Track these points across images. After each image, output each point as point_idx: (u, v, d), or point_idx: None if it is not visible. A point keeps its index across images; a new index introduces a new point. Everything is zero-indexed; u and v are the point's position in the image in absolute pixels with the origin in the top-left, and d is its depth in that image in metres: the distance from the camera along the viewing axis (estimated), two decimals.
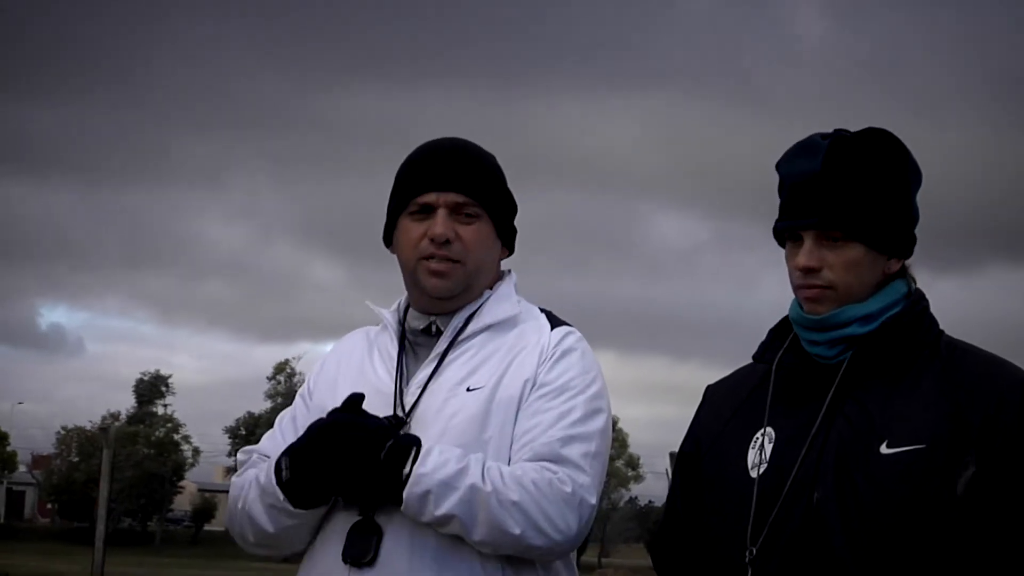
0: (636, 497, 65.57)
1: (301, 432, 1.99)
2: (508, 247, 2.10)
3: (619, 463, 61.61)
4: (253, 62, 77.60)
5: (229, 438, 57.32)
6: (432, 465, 1.85)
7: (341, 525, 1.94)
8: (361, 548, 1.89)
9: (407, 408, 1.97)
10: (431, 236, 1.98)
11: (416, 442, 1.89)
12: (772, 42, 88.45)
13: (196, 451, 59.36)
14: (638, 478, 62.62)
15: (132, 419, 57.09)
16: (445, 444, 1.90)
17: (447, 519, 1.85)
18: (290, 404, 2.14)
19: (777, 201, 1.87)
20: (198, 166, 79.03)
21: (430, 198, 2.00)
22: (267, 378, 57.18)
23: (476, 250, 2.00)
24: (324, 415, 1.96)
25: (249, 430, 53.30)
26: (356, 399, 1.92)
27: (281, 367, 56.23)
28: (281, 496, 1.92)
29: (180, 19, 77.01)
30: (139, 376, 59.47)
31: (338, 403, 1.97)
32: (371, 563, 1.89)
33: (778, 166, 1.87)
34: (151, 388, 59.25)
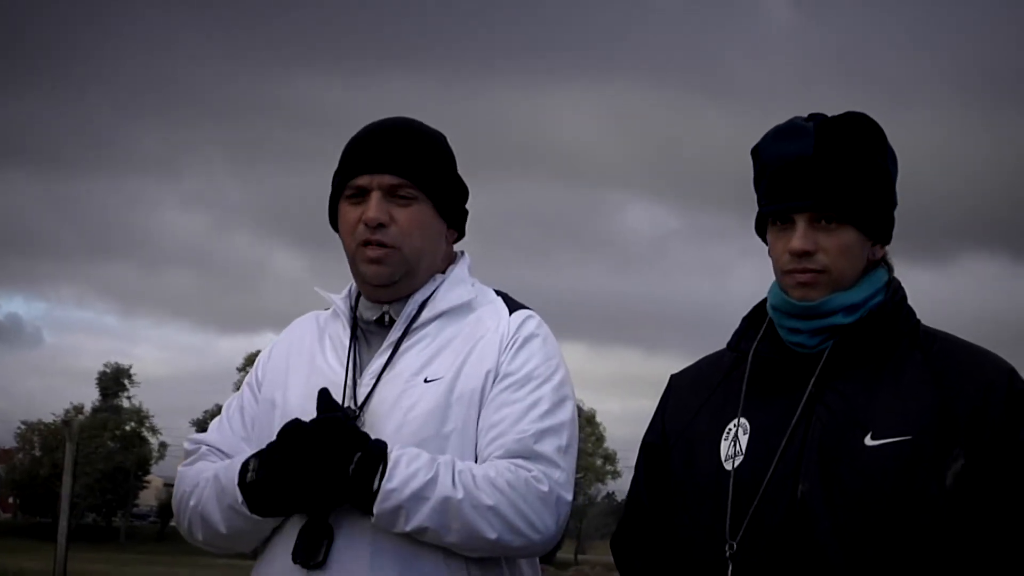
0: (613, 492, 65.57)
1: (248, 423, 1.93)
2: (456, 228, 2.02)
3: (595, 458, 61.64)
4: (207, 51, 77.52)
5: (196, 431, 56.63)
6: (400, 479, 1.79)
7: (294, 525, 1.88)
8: (311, 549, 1.84)
9: (360, 400, 1.91)
10: (364, 220, 1.93)
11: (383, 453, 1.81)
12: (739, 31, 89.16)
13: (163, 445, 58.89)
14: (615, 473, 62.58)
15: (97, 412, 56.48)
16: (407, 444, 1.83)
17: (420, 531, 1.81)
18: None
19: (747, 189, 1.81)
20: (153, 155, 79.02)
21: (364, 180, 1.93)
22: (236, 369, 56.88)
23: (413, 234, 1.93)
24: (280, 411, 1.90)
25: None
26: (325, 395, 1.85)
27: (252, 358, 55.66)
28: (240, 499, 1.85)
29: (134, 8, 76.48)
30: (102, 368, 58.98)
31: (288, 394, 1.91)
32: (321, 564, 1.83)
33: (756, 151, 1.82)
34: (114, 380, 58.66)
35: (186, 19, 77.69)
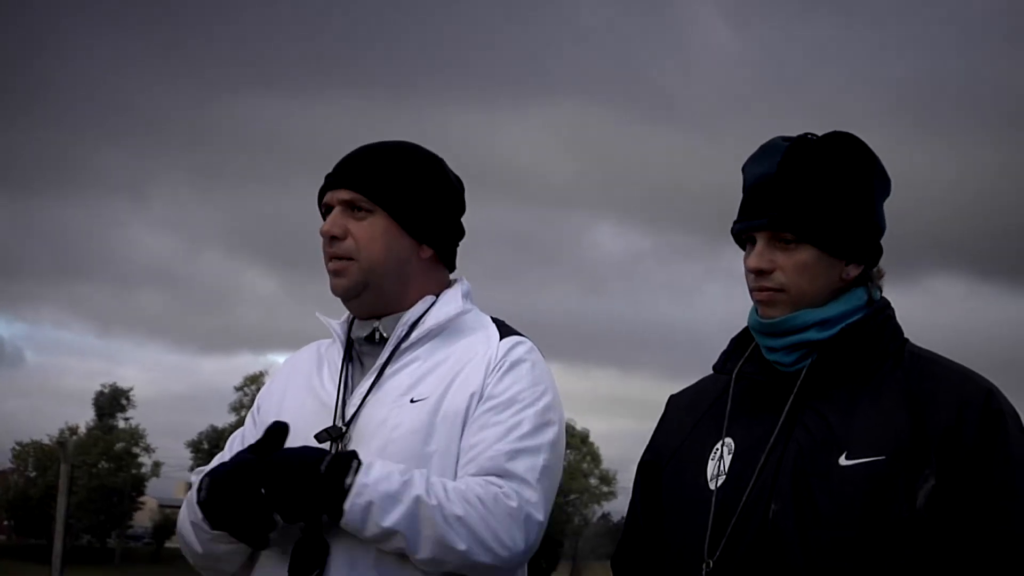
0: (609, 513, 64.96)
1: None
2: (430, 244, 2.02)
3: (591, 479, 61.13)
4: (166, 74, 77.96)
5: (191, 452, 56.66)
6: (375, 476, 1.80)
7: (284, 542, 1.88)
8: (307, 564, 1.85)
9: (347, 419, 1.93)
10: (320, 234, 2.00)
11: (355, 455, 1.83)
12: (674, 51, 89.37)
13: (157, 464, 58.63)
14: (611, 494, 62.05)
15: (91, 432, 56.22)
16: (386, 457, 1.85)
17: (390, 534, 1.80)
18: None
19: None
20: (118, 177, 79.27)
21: (328, 197, 2.01)
22: (235, 388, 56.68)
23: (369, 245, 1.96)
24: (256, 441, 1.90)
25: (212, 444, 52.65)
26: (277, 431, 1.87)
27: (253, 379, 55.60)
28: (200, 515, 1.88)
29: (96, 33, 76.99)
30: (99, 389, 58.80)
31: (283, 417, 1.92)
32: None
33: (743, 169, 1.84)
34: (111, 401, 58.46)
35: (145, 44, 78.17)
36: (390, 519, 1.79)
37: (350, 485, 1.79)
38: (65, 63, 76.68)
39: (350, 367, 2.01)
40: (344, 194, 1.98)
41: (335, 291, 2.00)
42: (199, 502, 1.86)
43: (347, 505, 1.79)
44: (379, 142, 2.05)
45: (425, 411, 1.90)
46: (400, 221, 1.98)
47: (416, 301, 2.00)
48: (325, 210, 2.01)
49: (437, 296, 2.02)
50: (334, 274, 1.98)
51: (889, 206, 1.83)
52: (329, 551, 1.85)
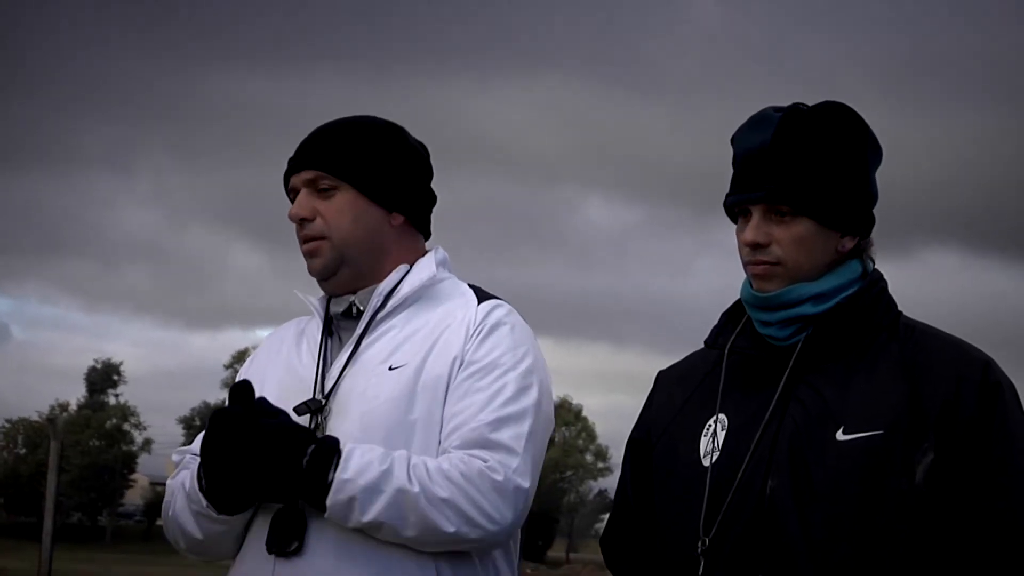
0: (605, 490, 64.91)
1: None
2: (401, 211, 2.01)
3: (586, 455, 61.13)
4: (145, 49, 77.89)
5: (183, 428, 56.53)
6: (355, 470, 1.80)
7: (265, 517, 1.89)
8: (286, 538, 1.85)
9: (326, 392, 1.93)
10: (289, 218, 2.01)
11: (336, 446, 1.82)
12: (661, 25, 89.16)
13: (147, 441, 58.49)
14: (607, 470, 61.88)
15: (82, 409, 56.08)
16: (373, 430, 1.85)
17: (375, 525, 1.81)
18: None
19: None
20: (104, 153, 79.47)
21: (293, 182, 2.02)
22: (224, 366, 56.57)
23: (338, 221, 1.97)
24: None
25: (206, 420, 52.34)
26: (243, 388, 1.86)
27: (241, 356, 55.50)
28: (204, 502, 1.88)
29: (76, 8, 76.94)
30: (91, 364, 58.62)
31: (265, 393, 1.92)
32: (297, 552, 1.84)
33: (732, 142, 1.81)
34: (103, 376, 58.24)
35: (129, 19, 78.10)
36: (372, 512, 1.79)
37: (331, 482, 1.79)
38: (48, 39, 76.69)
39: (329, 342, 2.02)
40: (306, 174, 1.99)
41: (312, 272, 2.01)
42: (203, 490, 1.87)
43: (329, 501, 1.80)
44: (336, 119, 2.06)
45: (405, 378, 1.90)
46: (366, 192, 1.99)
47: (391, 272, 2.00)
48: (292, 195, 2.03)
49: (411, 265, 2.02)
50: (309, 255, 2.00)
51: (881, 179, 1.81)
52: (307, 524, 1.84)
